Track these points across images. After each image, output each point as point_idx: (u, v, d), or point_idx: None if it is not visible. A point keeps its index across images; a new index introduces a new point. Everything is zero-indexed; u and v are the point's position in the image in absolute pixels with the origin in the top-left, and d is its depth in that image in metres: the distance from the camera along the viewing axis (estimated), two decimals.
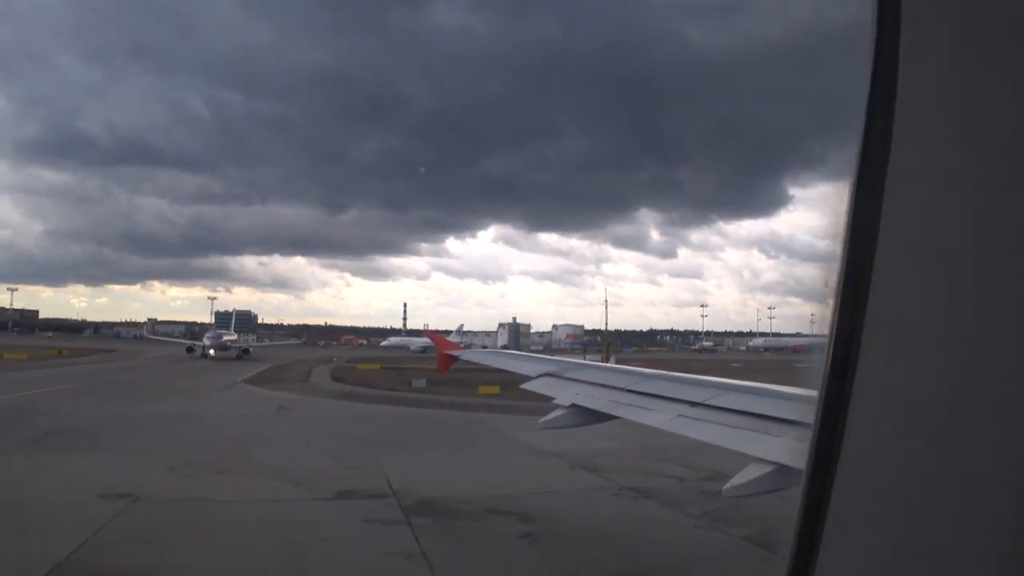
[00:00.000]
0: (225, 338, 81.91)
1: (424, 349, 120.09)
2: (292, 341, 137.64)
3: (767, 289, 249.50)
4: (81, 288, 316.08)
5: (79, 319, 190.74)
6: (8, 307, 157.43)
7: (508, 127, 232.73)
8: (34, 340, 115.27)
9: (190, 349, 79.76)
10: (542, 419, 9.50)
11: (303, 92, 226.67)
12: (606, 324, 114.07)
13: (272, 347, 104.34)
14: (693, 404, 7.43)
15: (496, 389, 39.18)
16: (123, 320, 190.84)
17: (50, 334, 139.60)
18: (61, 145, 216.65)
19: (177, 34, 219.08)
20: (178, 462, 17.68)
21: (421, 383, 43.40)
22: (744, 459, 6.06)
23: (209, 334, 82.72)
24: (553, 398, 9.81)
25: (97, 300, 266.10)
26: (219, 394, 39.06)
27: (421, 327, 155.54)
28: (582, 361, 12.54)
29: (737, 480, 5.77)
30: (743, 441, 6.22)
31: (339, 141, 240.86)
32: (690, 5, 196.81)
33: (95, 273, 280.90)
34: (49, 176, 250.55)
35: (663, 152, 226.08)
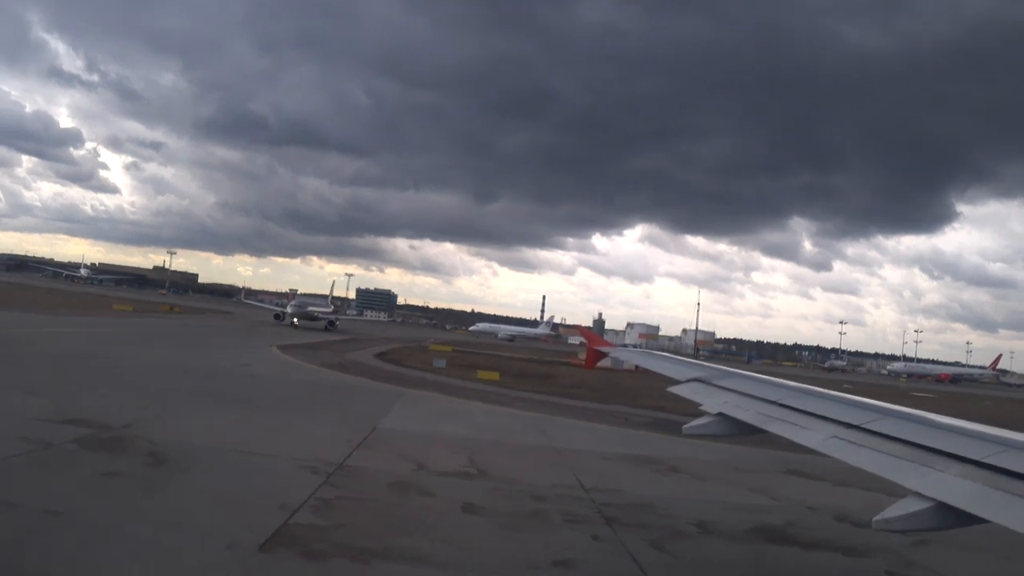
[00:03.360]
0: (311, 308, 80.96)
1: (512, 338, 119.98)
2: (382, 316, 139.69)
3: (929, 312, 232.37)
4: (247, 258, 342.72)
5: (238, 285, 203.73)
6: (168, 268, 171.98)
7: (657, 126, 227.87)
8: (172, 299, 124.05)
9: (277, 316, 79.35)
10: (687, 424, 9.02)
11: (456, 84, 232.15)
12: (696, 327, 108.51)
13: (372, 322, 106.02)
14: (849, 426, 7.05)
15: (495, 375, 40.23)
16: (273, 290, 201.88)
17: (190, 294, 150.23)
18: (233, 125, 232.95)
19: (339, 26, 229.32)
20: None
21: (441, 363, 44.82)
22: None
23: (294, 301, 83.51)
24: (700, 404, 9.46)
25: (261, 270, 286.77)
26: (231, 352, 39.71)
27: (558, 321, 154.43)
28: (734, 369, 11.73)
29: (890, 512, 5.36)
30: (902, 472, 5.84)
31: (490, 133, 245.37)
32: (846, 3, 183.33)
33: (260, 245, 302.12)
34: (222, 152, 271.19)
35: (818, 158, 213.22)
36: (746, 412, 8.53)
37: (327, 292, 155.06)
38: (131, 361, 28.79)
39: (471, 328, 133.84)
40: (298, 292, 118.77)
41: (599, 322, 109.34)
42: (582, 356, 76.57)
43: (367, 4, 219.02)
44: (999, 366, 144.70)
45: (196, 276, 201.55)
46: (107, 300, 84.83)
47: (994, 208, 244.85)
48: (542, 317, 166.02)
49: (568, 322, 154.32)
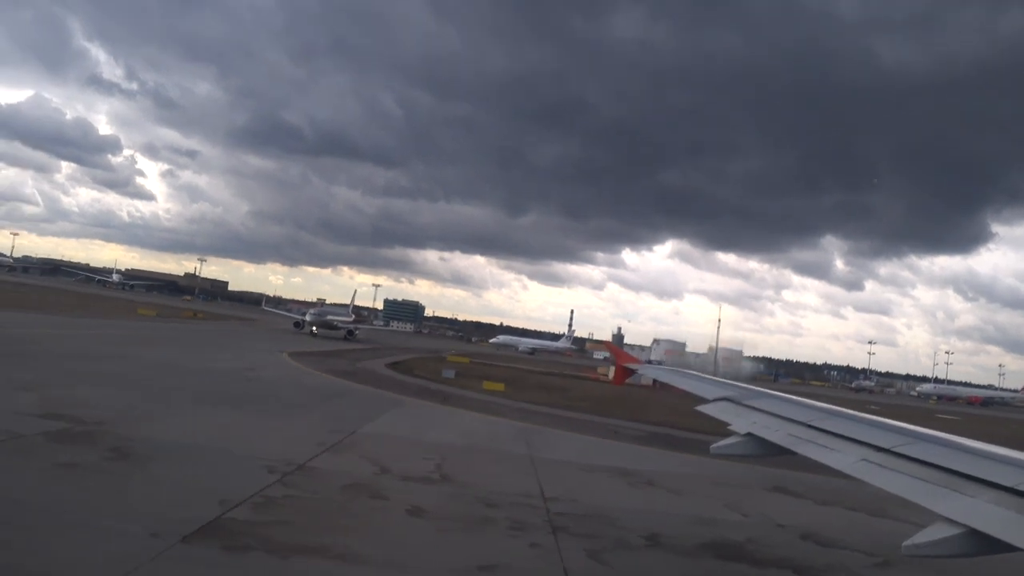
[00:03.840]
0: (330, 316, 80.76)
1: (533, 351, 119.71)
2: (408, 328, 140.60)
3: (963, 334, 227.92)
4: (278, 266, 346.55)
5: (268, 293, 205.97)
6: (197, 275, 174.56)
7: (688, 141, 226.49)
8: (198, 305, 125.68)
9: (297, 324, 79.20)
10: (715, 444, 9.05)
11: (489, 96, 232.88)
12: (717, 342, 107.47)
13: (395, 332, 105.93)
14: (879, 449, 7.05)
15: (501, 386, 40.29)
16: (302, 299, 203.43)
17: (221, 301, 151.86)
18: (267, 134, 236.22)
19: (373, 35, 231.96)
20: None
21: (450, 374, 44.99)
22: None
23: (313, 310, 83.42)
24: (729, 424, 9.50)
25: (292, 279, 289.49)
26: (239, 356, 40.24)
27: (586, 335, 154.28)
28: (764, 390, 11.76)
29: (920, 538, 5.28)
30: (932, 497, 5.74)
31: (521, 145, 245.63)
32: (881, 19, 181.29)
33: (292, 254, 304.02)
34: (255, 161, 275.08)
35: (851, 176, 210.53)
36: (775, 433, 8.53)
37: (364, 303, 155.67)
38: (134, 363, 29.28)
39: (491, 340, 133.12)
40: (325, 301, 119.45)
41: (618, 336, 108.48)
42: (601, 370, 76.54)
43: (401, 14, 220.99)
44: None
45: (226, 284, 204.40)
46: (133, 305, 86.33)
47: None
48: (570, 331, 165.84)
49: (595, 337, 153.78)
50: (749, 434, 8.73)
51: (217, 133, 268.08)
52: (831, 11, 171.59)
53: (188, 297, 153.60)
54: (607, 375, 71.78)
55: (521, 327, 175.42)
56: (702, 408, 10.81)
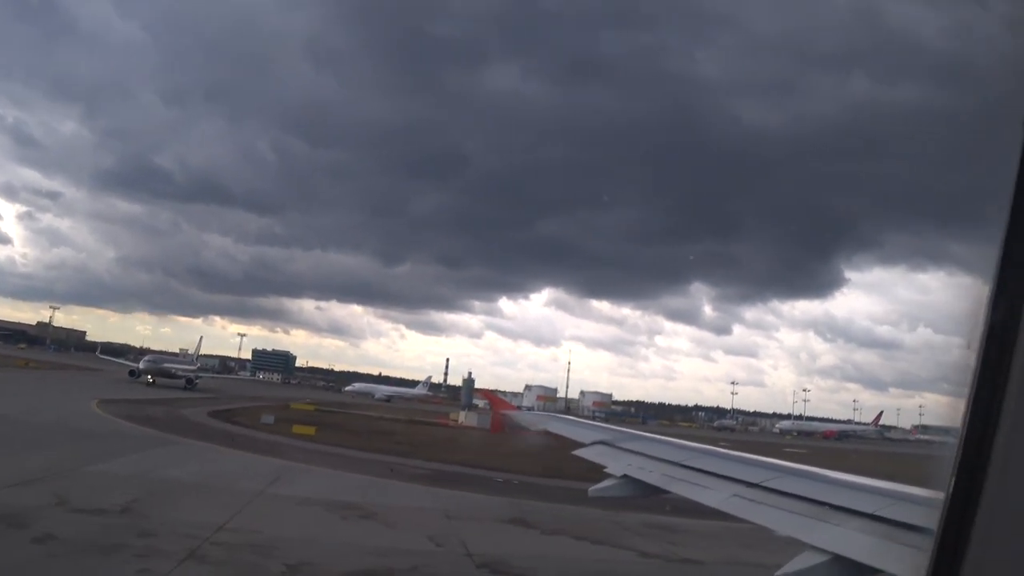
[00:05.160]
0: (167, 364, 77.95)
1: (389, 398, 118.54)
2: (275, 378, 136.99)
3: (824, 373, 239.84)
4: (146, 316, 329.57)
5: (133, 344, 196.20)
6: (51, 324, 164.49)
7: (562, 193, 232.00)
8: (46, 355, 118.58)
9: (132, 372, 74.76)
10: (593, 487, 9.07)
11: (365, 145, 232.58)
12: (567, 389, 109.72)
13: (253, 382, 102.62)
14: (750, 485, 7.24)
15: (311, 430, 39.74)
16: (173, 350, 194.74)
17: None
18: (135, 177, 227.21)
19: (249, 81, 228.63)
20: None
21: (269, 420, 43.79)
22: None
23: (148, 358, 79.79)
24: (605, 467, 9.45)
25: (161, 329, 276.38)
26: (35, 404, 37.97)
27: (458, 383, 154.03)
28: (640, 432, 12.41)
29: (789, 568, 5.43)
30: (800, 528, 6.04)
31: (397, 195, 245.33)
32: (743, 82, 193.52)
33: (161, 302, 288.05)
34: (123, 205, 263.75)
35: (718, 227, 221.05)
36: (650, 474, 8.66)
37: (231, 353, 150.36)
38: None
39: (347, 388, 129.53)
40: (187, 351, 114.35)
41: (469, 381, 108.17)
42: (452, 416, 76.33)
43: (279, 60, 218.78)
44: (882, 422, 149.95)
45: (84, 333, 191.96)
46: None
47: (879, 275, 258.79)
48: (445, 380, 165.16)
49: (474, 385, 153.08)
50: (625, 476, 8.86)
51: (82, 175, 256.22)
52: (696, 74, 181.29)
53: (23, 345, 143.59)
54: (458, 420, 71.84)
55: (399, 377, 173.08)
56: (579, 452, 11.01)
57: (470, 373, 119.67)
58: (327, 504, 19.22)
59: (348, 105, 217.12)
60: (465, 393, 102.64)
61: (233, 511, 16.37)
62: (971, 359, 1.79)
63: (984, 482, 1.67)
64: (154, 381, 70.77)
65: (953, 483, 1.74)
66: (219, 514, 15.87)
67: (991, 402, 1.70)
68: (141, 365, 74.53)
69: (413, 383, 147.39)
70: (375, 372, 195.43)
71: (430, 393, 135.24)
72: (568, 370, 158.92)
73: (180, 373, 75.75)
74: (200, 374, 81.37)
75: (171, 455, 25.11)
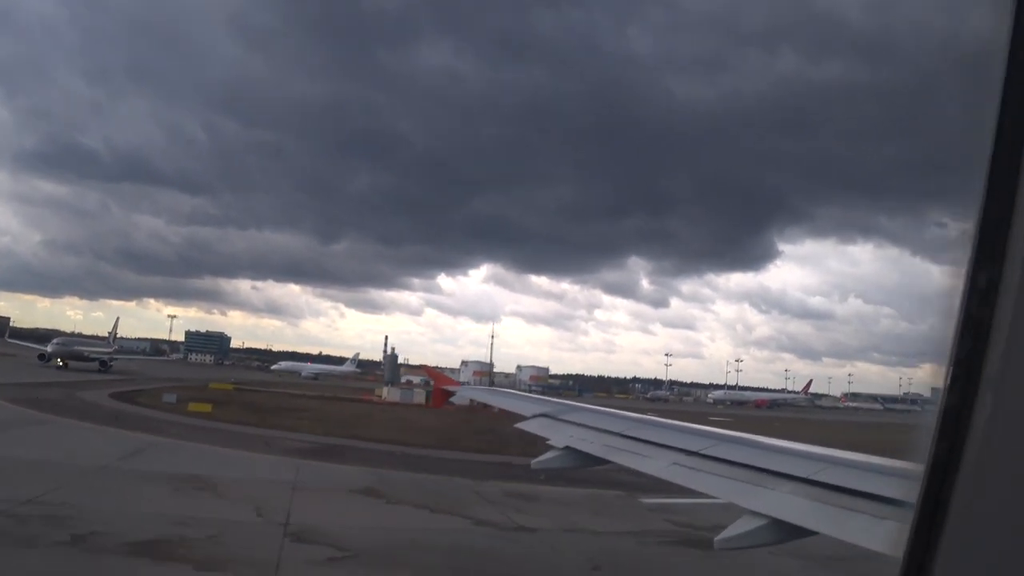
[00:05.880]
0: (77, 347, 74.72)
1: (316, 376, 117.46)
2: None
3: (760, 344, 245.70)
4: (77, 300, 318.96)
5: (63, 330, 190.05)
6: None
7: (497, 170, 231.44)
8: None
9: (41, 356, 71.64)
10: (535, 459, 9.10)
11: (297, 124, 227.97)
12: (491, 362, 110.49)
13: (190, 365, 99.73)
14: (689, 453, 7.34)
15: (207, 407, 38.99)
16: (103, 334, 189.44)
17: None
18: (59, 157, 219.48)
19: (174, 60, 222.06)
20: None
21: (171, 399, 42.91)
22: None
23: (57, 340, 76.09)
24: (547, 439, 9.51)
25: (93, 314, 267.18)
26: None
27: (402, 361, 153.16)
28: (579, 404, 12.49)
29: (730, 532, 5.55)
30: (738, 493, 6.10)
31: (331, 174, 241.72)
32: (675, 59, 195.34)
33: (92, 287, 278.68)
34: (47, 187, 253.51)
35: (652, 202, 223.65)
36: (592, 444, 8.73)
37: (163, 336, 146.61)
38: None
39: (273, 367, 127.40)
40: (117, 335, 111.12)
41: (391, 357, 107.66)
42: (377, 392, 75.92)
43: (203, 39, 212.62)
44: (813, 390, 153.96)
45: (7, 319, 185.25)
46: None
47: (811, 247, 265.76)
48: (384, 357, 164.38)
49: (411, 362, 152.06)
50: (567, 447, 8.88)
51: (3, 156, 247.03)
52: (628, 51, 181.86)
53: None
54: (382, 396, 71.58)
55: (339, 356, 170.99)
56: (521, 425, 10.98)
57: (393, 349, 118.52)
58: (170, 477, 18.87)
59: (278, 84, 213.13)
60: (388, 369, 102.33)
61: (54, 485, 15.92)
62: (949, 329, 1.74)
63: (963, 451, 1.67)
64: (65, 364, 68.66)
65: (933, 453, 1.74)
66: (35, 488, 15.38)
67: (970, 369, 1.68)
68: (49, 348, 71.77)
69: (341, 361, 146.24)
70: (315, 351, 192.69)
71: (359, 370, 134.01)
72: (491, 345, 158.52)
73: (93, 356, 73.42)
74: (115, 356, 79.12)
75: (33, 434, 24.50)
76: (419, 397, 69.66)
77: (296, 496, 17.91)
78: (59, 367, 67.72)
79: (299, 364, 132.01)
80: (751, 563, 11.23)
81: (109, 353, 78.25)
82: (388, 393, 72.62)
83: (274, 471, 21.48)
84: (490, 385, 78.05)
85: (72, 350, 71.99)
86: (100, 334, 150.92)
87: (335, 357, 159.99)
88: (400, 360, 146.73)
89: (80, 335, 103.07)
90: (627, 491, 21.79)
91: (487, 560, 13.72)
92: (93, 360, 71.97)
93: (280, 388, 75.29)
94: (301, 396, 64.02)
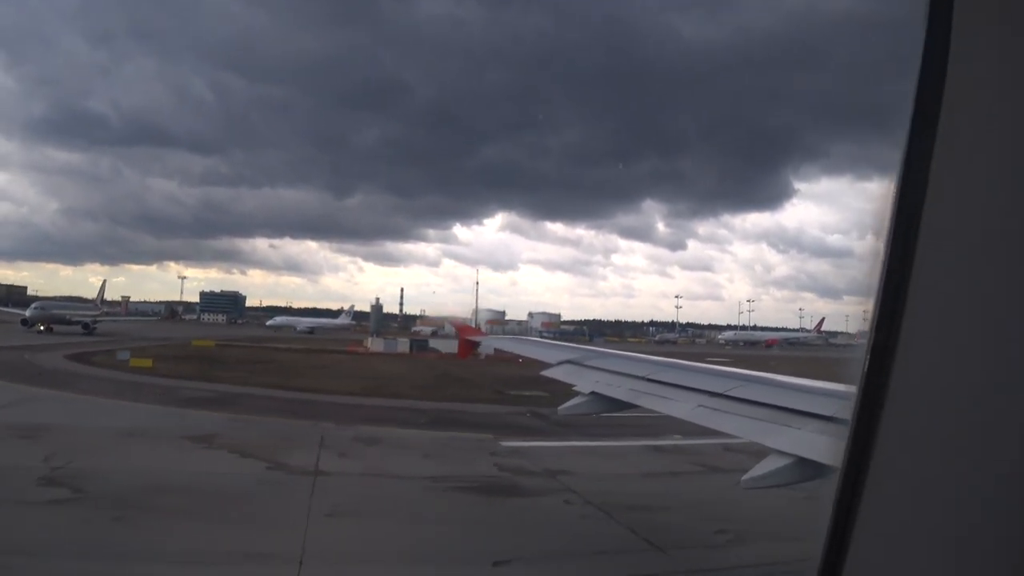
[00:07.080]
0: (56, 311, 75.30)
1: (311, 330, 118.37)
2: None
3: (779, 284, 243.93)
4: (98, 267, 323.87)
5: (86, 297, 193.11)
6: None
7: (506, 117, 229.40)
8: None
9: (23, 321, 71.62)
10: (563, 405, 9.42)
11: (304, 79, 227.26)
12: (476, 306, 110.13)
13: (195, 324, 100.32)
14: (713, 395, 7.44)
15: (148, 362, 40.54)
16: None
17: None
18: (69, 124, 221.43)
19: (175, 17, 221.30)
20: None
21: (124, 356, 43.15)
22: None
23: (36, 304, 78.21)
24: (574, 385, 9.76)
25: (115, 279, 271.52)
26: None
27: (419, 312, 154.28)
28: (604, 349, 12.77)
29: (756, 471, 5.69)
30: (763, 433, 6.20)
31: (340, 127, 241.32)
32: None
33: (111, 252, 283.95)
34: (60, 155, 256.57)
35: (663, 144, 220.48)
36: (617, 389, 8.89)
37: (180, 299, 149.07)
38: None
39: (268, 323, 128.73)
40: (130, 299, 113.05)
41: (377, 307, 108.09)
42: (365, 343, 76.65)
43: None
44: (830, 328, 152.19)
45: (24, 289, 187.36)
46: None
47: (827, 185, 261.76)
48: (400, 310, 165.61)
49: (428, 313, 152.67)
50: (593, 392, 9.09)
51: (12, 126, 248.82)
52: None
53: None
54: (367, 347, 72.40)
55: (359, 310, 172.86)
56: (546, 372, 11.17)
57: (378, 299, 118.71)
58: (16, 427, 19.29)
59: (282, 39, 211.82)
60: (373, 320, 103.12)
61: None
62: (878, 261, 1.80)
63: (890, 378, 1.73)
64: (49, 328, 69.95)
65: (864, 381, 1.81)
66: None
67: (895, 306, 1.73)
68: (28, 313, 72.88)
69: (335, 313, 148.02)
70: (335, 307, 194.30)
71: (354, 323, 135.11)
72: (476, 291, 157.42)
73: (76, 319, 74.78)
74: (100, 319, 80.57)
75: None
76: (402, 347, 70.63)
77: (111, 442, 18.04)
78: (41, 331, 69.01)
79: (294, 319, 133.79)
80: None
81: (94, 316, 79.85)
82: (372, 344, 73.71)
83: (132, 420, 21.81)
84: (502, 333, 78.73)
85: (51, 314, 73.53)
86: (117, 299, 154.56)
87: (332, 310, 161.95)
88: (417, 312, 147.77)
89: (67, 299, 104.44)
90: (505, 433, 21.84)
91: (222, 502, 13.40)
92: (76, 323, 73.44)
93: (270, 343, 76.11)
94: (289, 350, 64.74)
